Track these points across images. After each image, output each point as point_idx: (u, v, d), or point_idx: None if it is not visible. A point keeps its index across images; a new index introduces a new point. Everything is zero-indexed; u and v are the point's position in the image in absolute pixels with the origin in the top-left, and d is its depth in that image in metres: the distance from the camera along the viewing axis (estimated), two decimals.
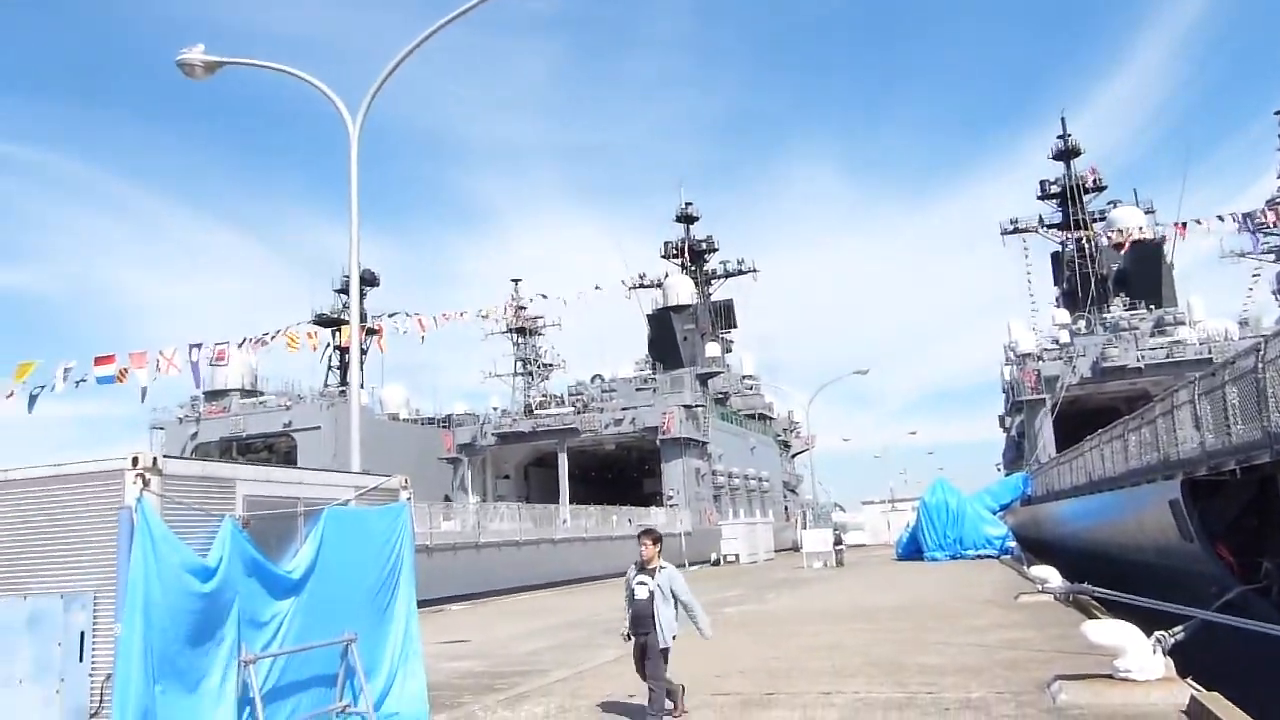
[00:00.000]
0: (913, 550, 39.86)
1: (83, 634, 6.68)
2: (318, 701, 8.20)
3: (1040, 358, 57.16)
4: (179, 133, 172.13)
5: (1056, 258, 71.79)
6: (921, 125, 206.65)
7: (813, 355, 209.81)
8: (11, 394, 24.93)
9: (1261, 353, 12.46)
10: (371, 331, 44.56)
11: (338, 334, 50.56)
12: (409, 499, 9.62)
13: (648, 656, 7.99)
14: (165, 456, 7.27)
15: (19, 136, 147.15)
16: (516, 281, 69.82)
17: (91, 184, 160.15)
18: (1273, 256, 55.59)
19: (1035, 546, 36.07)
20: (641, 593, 7.99)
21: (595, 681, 10.79)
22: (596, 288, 64.58)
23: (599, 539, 42.76)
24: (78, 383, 26.83)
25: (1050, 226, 70.98)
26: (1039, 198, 72.15)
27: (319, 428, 52.57)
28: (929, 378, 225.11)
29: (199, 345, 31.33)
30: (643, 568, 8.11)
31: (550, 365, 69.84)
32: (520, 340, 69.35)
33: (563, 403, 63.24)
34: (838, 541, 40.92)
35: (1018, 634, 12.61)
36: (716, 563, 48.59)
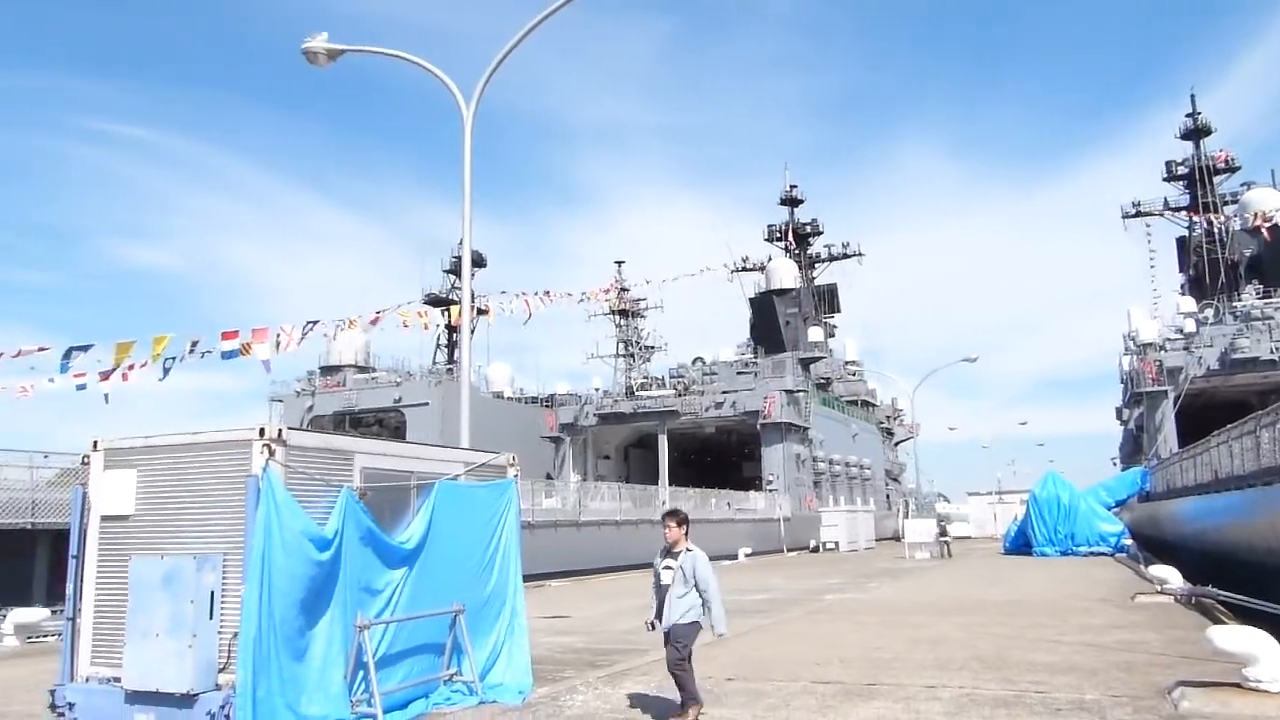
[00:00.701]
0: (1020, 544, 38.79)
1: (213, 593, 7.04)
2: (426, 669, 8.48)
3: (1163, 347, 54.69)
4: (301, 119, 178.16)
5: (1182, 243, 68.46)
6: (1037, 102, 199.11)
7: (919, 341, 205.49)
8: (145, 364, 26.27)
9: None
10: (480, 311, 45.44)
11: (447, 313, 51.61)
12: (516, 476, 9.82)
13: (667, 643, 7.57)
14: (290, 428, 7.59)
15: (154, 122, 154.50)
16: (619, 263, 70.31)
17: (220, 169, 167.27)
18: None
19: (1153, 545, 34.68)
20: (666, 578, 7.59)
21: (693, 663, 10.81)
22: (702, 270, 64.59)
23: (697, 521, 42.81)
24: (204, 354, 28.11)
25: (1176, 209, 67.66)
26: (1165, 179, 68.78)
27: (427, 404, 53.91)
28: (1041, 366, 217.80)
29: (316, 322, 32.45)
30: (669, 551, 7.69)
31: (652, 347, 70.10)
32: (622, 322, 69.76)
33: (664, 385, 63.44)
34: (943, 533, 40.09)
35: (1135, 635, 12.16)
36: (815, 550, 48.20)
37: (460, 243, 13.54)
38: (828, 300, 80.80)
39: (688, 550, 7.60)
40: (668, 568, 7.62)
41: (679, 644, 7.44)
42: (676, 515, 7.84)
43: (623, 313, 69.41)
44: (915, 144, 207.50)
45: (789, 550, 48.59)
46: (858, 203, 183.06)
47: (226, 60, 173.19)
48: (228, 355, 27.55)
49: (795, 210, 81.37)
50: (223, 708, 6.78)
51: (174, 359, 26.67)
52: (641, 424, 60.56)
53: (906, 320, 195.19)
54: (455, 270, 62.25)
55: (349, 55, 14.33)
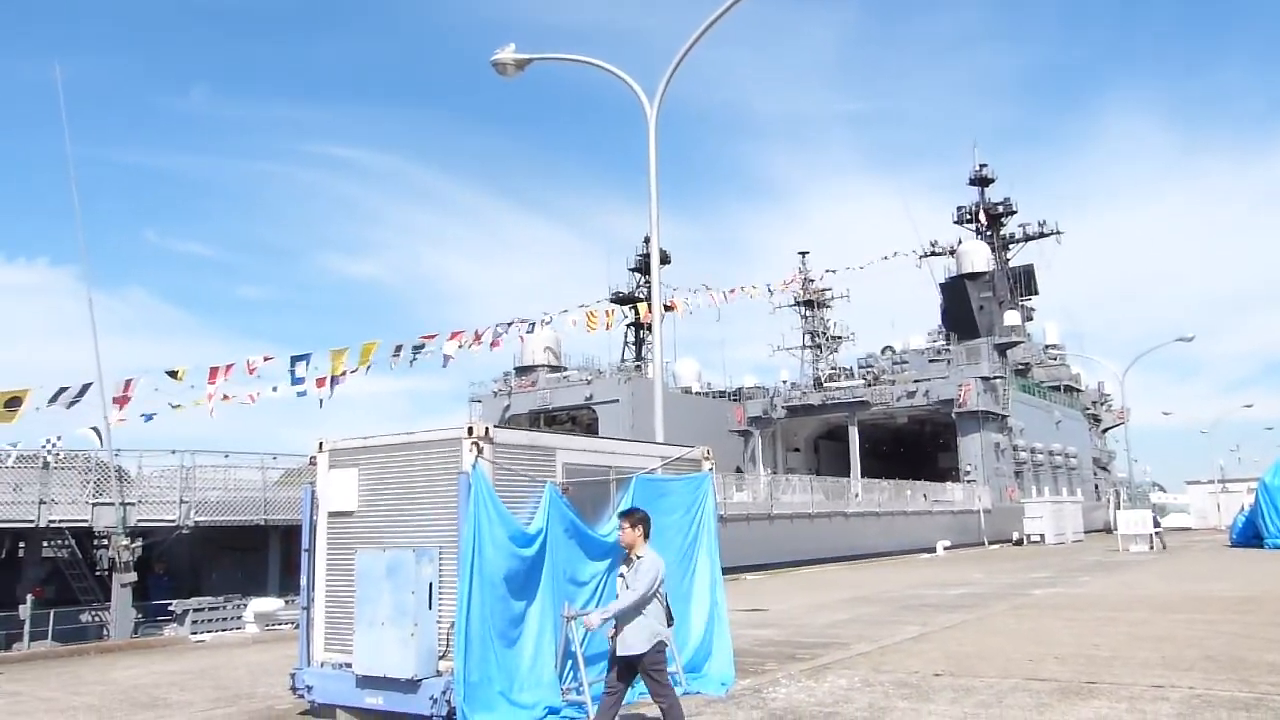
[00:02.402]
0: (1249, 536, 35.78)
1: (431, 584, 7.50)
2: None
3: None
4: (491, 128, 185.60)
5: None
6: (1258, 63, 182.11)
7: (1127, 322, 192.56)
8: (356, 370, 28.15)
9: None
10: (667, 308, 46.07)
11: (634, 311, 52.63)
12: (711, 469, 9.94)
13: (613, 666, 6.53)
14: (496, 427, 7.99)
15: (359, 141, 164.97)
16: (804, 254, 69.42)
17: (423, 182, 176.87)
18: None
19: None
20: (619, 590, 6.58)
21: (897, 657, 10.65)
22: (889, 256, 63.04)
23: (892, 514, 41.87)
24: (413, 359, 29.85)
25: None
26: None
27: (617, 401, 55.06)
28: (1266, 345, 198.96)
29: (510, 323, 33.84)
30: (627, 558, 6.67)
31: (839, 338, 68.87)
32: (808, 313, 68.88)
33: (852, 375, 62.23)
34: (1155, 524, 37.57)
35: None
36: (1019, 542, 46.10)
37: (646, 240, 13.81)
38: (1024, 282, 76.87)
39: (639, 557, 6.52)
40: (621, 577, 6.66)
41: (653, 672, 6.36)
42: (631, 515, 6.72)
43: (808, 304, 68.55)
44: (1120, 113, 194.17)
45: (990, 543, 46.69)
46: (1055, 180, 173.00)
47: (420, 78, 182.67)
48: (418, 350, 29.21)
49: (986, 190, 77.87)
50: (444, 693, 7.21)
51: (377, 363, 28.44)
52: (831, 415, 59.67)
53: (1112, 301, 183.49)
54: (641, 269, 63.23)
55: (534, 64, 14.88)
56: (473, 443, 7.64)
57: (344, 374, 27.34)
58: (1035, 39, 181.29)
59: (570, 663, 7.94)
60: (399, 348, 29.67)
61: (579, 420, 58.62)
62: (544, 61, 14.92)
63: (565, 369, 62.98)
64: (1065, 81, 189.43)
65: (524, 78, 14.86)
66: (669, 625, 6.61)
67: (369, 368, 28.46)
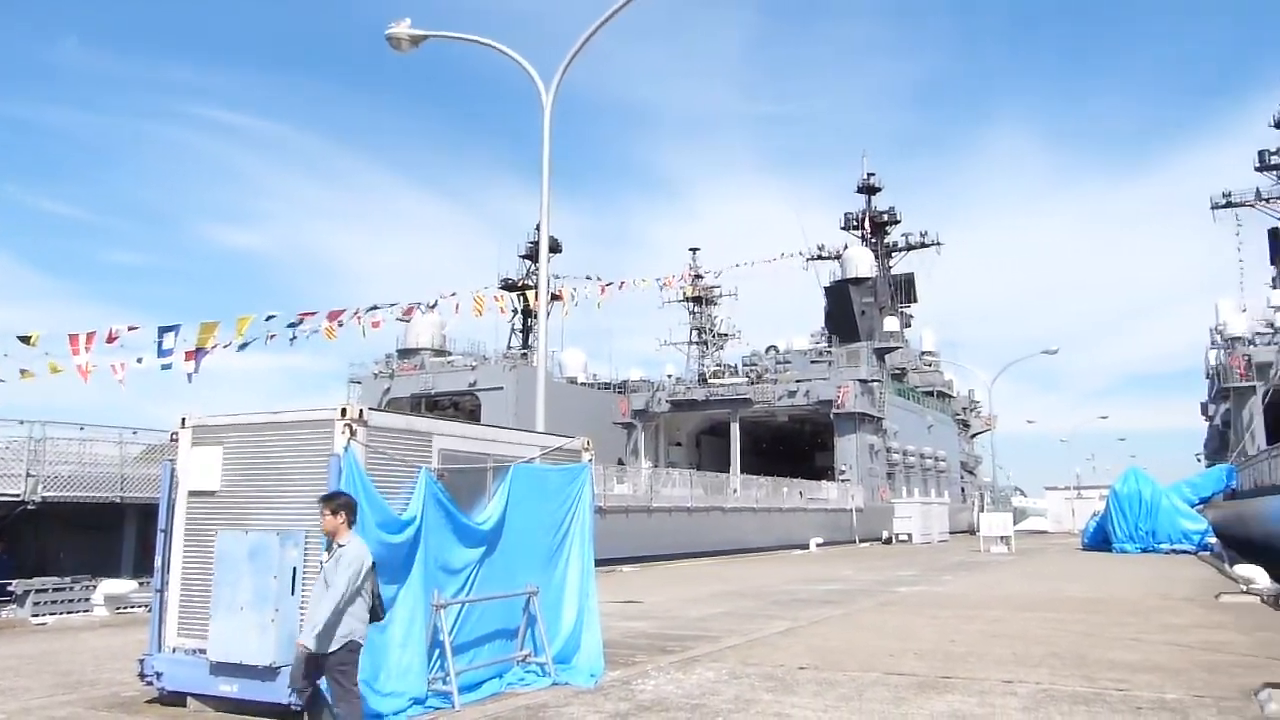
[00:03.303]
0: (1099, 540, 37.91)
1: (295, 569, 7.26)
2: (500, 650, 8.64)
3: (1252, 342, 52.68)
4: (386, 103, 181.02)
5: (1275, 234, 65.73)
6: (1134, 91, 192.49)
7: (998, 333, 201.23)
8: (229, 344, 27.10)
9: None
10: (554, 297, 45.82)
11: (523, 298, 52.17)
12: (590, 460, 9.91)
13: (325, 670, 5.90)
14: (370, 409, 7.78)
15: (242, 106, 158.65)
16: (694, 250, 70.16)
17: (310, 153, 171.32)
18: None
19: (1240, 544, 33.53)
20: (319, 584, 6.00)
21: (765, 651, 10.84)
22: (777, 257, 64.15)
23: (769, 510, 42.69)
24: (292, 337, 28.93)
25: (1268, 200, 65.02)
26: (1257, 169, 66.13)
27: (502, 388, 54.55)
28: (1124, 360, 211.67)
29: (395, 304, 33.14)
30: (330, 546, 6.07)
31: (725, 335, 69.92)
32: (696, 309, 69.69)
33: (737, 373, 63.20)
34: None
35: (1220, 636, 11.80)
36: (888, 541, 47.69)
37: (537, 228, 13.69)
38: (904, 290, 79.56)
39: (340, 545, 5.94)
40: (322, 565, 6.09)
41: (339, 673, 5.84)
42: (331, 500, 6.13)
43: (697, 300, 69.34)
44: (1003, 133, 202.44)
45: (861, 541, 48.16)
46: (940, 192, 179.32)
47: (314, 45, 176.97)
48: (293, 326, 28.34)
49: (873, 198, 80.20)
50: None
51: (254, 339, 27.47)
52: (714, 411, 60.46)
53: (986, 312, 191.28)
54: (532, 255, 62.87)
55: (433, 40, 14.55)
56: (346, 425, 7.42)
57: (214, 348, 26.28)
58: (930, 52, 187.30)
59: (438, 652, 7.81)
60: (270, 317, 28.68)
61: (462, 406, 57.88)
62: (440, 39, 14.61)
63: (450, 354, 62.07)
64: (955, 96, 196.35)
65: (425, 54, 14.54)
66: (377, 620, 6.14)
67: (244, 344, 27.47)
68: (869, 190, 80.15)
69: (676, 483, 37.57)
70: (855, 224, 79.41)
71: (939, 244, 78.29)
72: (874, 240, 78.47)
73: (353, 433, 7.39)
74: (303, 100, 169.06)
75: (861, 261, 73.60)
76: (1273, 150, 65.53)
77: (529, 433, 10.27)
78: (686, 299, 69.04)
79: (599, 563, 10.04)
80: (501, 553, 8.61)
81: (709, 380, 61.81)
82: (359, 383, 59.98)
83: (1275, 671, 8.62)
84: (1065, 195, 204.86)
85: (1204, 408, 69.80)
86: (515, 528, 8.73)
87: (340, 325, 30.81)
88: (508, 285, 61.43)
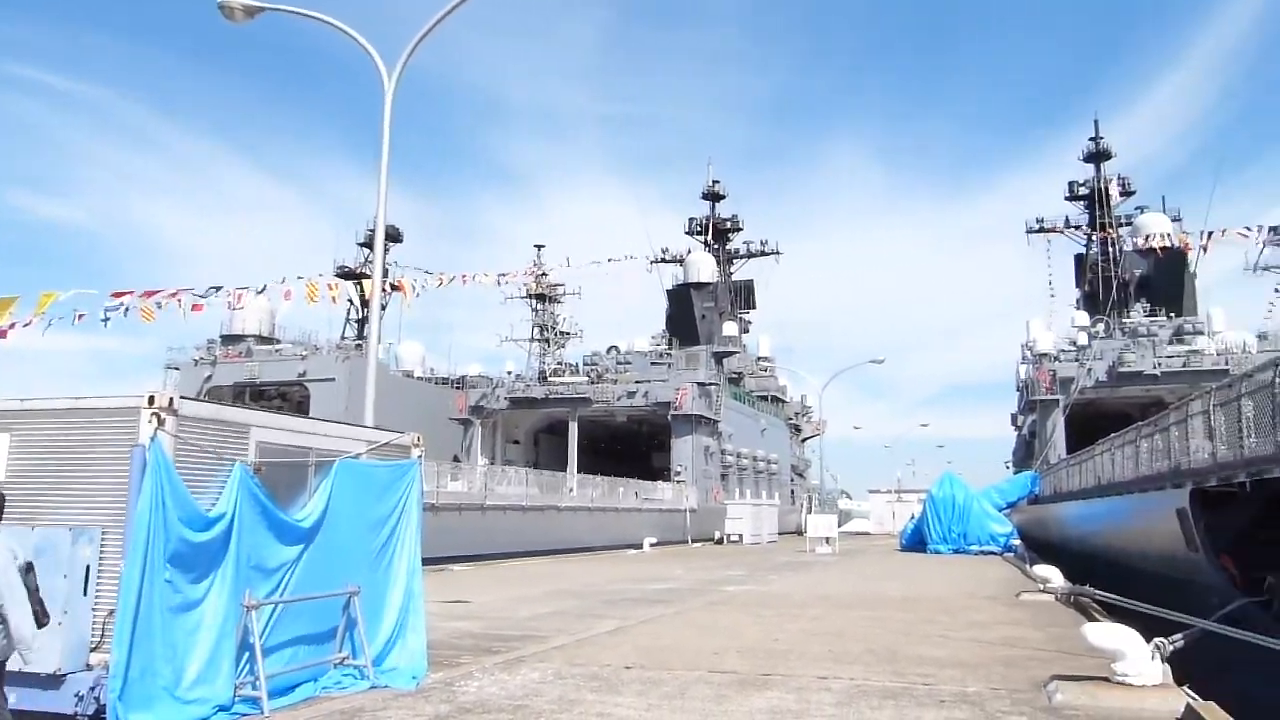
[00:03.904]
0: (916, 542, 39.93)
1: (88, 568, 6.74)
2: (316, 652, 8.29)
3: (1057, 358, 56.81)
4: (223, 76, 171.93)
5: (1080, 260, 71.18)
6: (964, 118, 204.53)
7: (831, 342, 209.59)
8: (30, 323, 25.09)
9: (1278, 368, 12.36)
10: (393, 288, 44.63)
11: (359, 287, 50.64)
12: (420, 457, 9.66)
13: None
14: (182, 397, 7.31)
15: (62, 66, 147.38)
16: (539, 247, 69.81)
17: (132, 121, 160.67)
18: None
19: (1040, 546, 36.03)
20: None
21: (592, 650, 10.85)
22: (622, 258, 64.58)
23: (604, 510, 42.93)
24: (105, 318, 27.05)
25: (1076, 228, 70.36)
26: (1067, 198, 71.46)
27: (333, 380, 52.80)
28: (945, 371, 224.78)
29: (219, 288, 31.51)
30: None
31: (567, 334, 69.89)
32: (539, 306, 69.36)
33: (577, 372, 63.30)
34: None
35: (1018, 632, 12.60)
36: (720, 541, 48.75)
37: (376, 216, 13.25)
38: (744, 296, 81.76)
39: None
40: None
41: None
42: None
43: (540, 297, 69.03)
44: (844, 149, 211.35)
45: (694, 541, 49.06)
46: (781, 203, 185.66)
47: (142, 5, 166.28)
48: (110, 311, 26.59)
49: (716, 206, 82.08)
50: (93, 689, 6.50)
51: (59, 317, 25.57)
52: (553, 410, 60.35)
53: (820, 320, 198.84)
54: (370, 243, 61.04)
55: (271, 13, 13.88)
56: (153, 413, 6.93)
57: (12, 326, 24.27)
58: (780, 67, 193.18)
59: (248, 655, 7.42)
60: (80, 295, 26.75)
61: (290, 397, 55.73)
62: (277, 13, 13.95)
63: (279, 342, 59.61)
64: (801, 111, 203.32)
65: (265, 28, 13.85)
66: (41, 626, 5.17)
67: (48, 323, 25.49)
68: (713, 197, 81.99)
69: (512, 481, 37.29)
70: (699, 229, 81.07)
71: (778, 253, 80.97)
72: (716, 246, 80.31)
73: (161, 422, 6.92)
74: (126, 64, 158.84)
75: (704, 266, 75.22)
76: (1081, 182, 70.85)
77: (356, 426, 9.91)
78: (530, 296, 68.67)
79: (429, 562, 9.81)
80: (322, 551, 8.26)
81: (549, 378, 61.67)
82: (177, 369, 56.85)
83: (1064, 665, 9.24)
84: (899, 212, 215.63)
85: (1014, 418, 74.79)
86: (338, 525, 8.40)
87: (160, 307, 29.06)
88: (344, 273, 59.55)
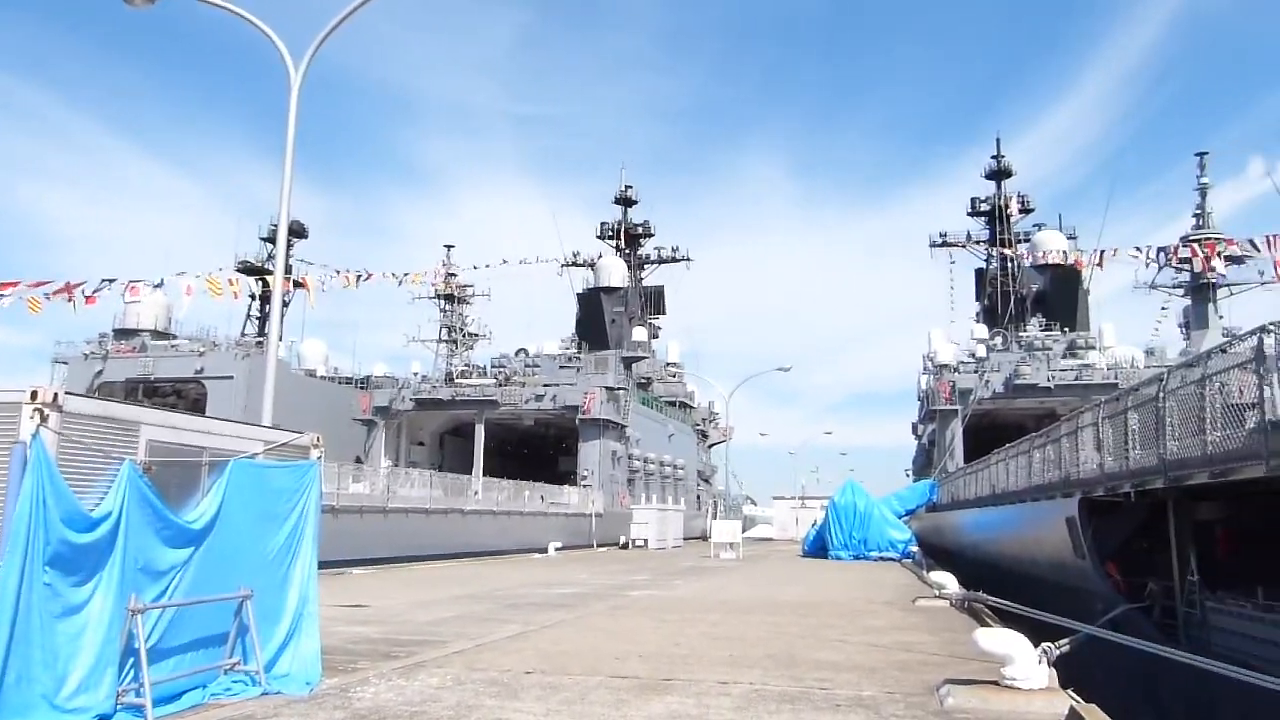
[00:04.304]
0: (818, 548, 40.57)
1: None
2: (205, 658, 8.01)
3: (957, 369, 58.56)
4: (118, 59, 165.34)
5: (980, 274, 73.57)
6: (874, 132, 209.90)
7: (739, 348, 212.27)
8: None
9: (1163, 383, 12.96)
10: (297, 284, 43.57)
11: (261, 283, 49.28)
12: (320, 458, 9.43)
13: None
14: (67, 393, 7.00)
15: None
16: (449, 247, 69.08)
17: (22, 100, 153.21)
18: (1181, 291, 57.72)
19: (937, 552, 37.02)
20: None
21: (493, 655, 10.74)
22: (533, 260, 64.31)
23: (509, 513, 42.58)
24: None
25: (977, 243, 72.71)
26: (969, 214, 73.83)
27: (232, 377, 51.24)
28: (850, 380, 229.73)
29: (112, 280, 30.27)
30: None
31: (476, 335, 69.21)
32: (448, 307, 68.53)
33: (485, 374, 62.73)
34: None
35: (913, 636, 12.91)
36: (625, 546, 48.83)
37: (280, 210, 12.89)
38: (654, 302, 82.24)
39: None
40: None
41: None
42: None
43: (449, 298, 68.22)
44: (757, 159, 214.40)
45: (599, 546, 49.04)
46: (692, 209, 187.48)
47: None
48: None
49: (629, 210, 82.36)
50: None
51: None
52: (459, 412, 59.68)
53: (730, 327, 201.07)
54: (274, 238, 59.49)
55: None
56: (35, 409, 6.61)
57: None
58: (696, 74, 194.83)
59: (133, 661, 7.12)
60: None
61: (185, 395, 53.91)
62: None
63: (175, 337, 57.60)
64: (714, 118, 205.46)
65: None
66: None
67: None
68: (625, 202, 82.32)
69: (416, 483, 36.71)
70: (611, 234, 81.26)
71: (689, 259, 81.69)
72: (627, 251, 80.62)
73: (43, 418, 6.61)
74: (20, 45, 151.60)
75: (614, 271, 75.43)
76: (982, 198, 73.28)
77: (253, 426, 9.62)
78: (438, 296, 67.82)
79: (329, 565, 9.57)
80: (214, 554, 7.99)
81: (456, 380, 60.96)
82: (65, 363, 54.39)
83: (956, 669, 9.50)
84: (808, 222, 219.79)
85: (915, 427, 76.79)
86: (231, 527, 8.13)
87: (48, 299, 27.77)
88: (246, 268, 57.86)
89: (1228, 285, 55.91)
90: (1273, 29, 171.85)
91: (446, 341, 68.01)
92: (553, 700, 8.12)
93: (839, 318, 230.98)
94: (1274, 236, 32.71)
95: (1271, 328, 9.84)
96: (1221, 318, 54.74)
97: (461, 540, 36.37)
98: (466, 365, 64.68)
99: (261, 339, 58.49)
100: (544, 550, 40.72)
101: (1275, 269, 46.35)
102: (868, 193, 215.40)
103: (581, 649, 11.41)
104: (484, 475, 49.24)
